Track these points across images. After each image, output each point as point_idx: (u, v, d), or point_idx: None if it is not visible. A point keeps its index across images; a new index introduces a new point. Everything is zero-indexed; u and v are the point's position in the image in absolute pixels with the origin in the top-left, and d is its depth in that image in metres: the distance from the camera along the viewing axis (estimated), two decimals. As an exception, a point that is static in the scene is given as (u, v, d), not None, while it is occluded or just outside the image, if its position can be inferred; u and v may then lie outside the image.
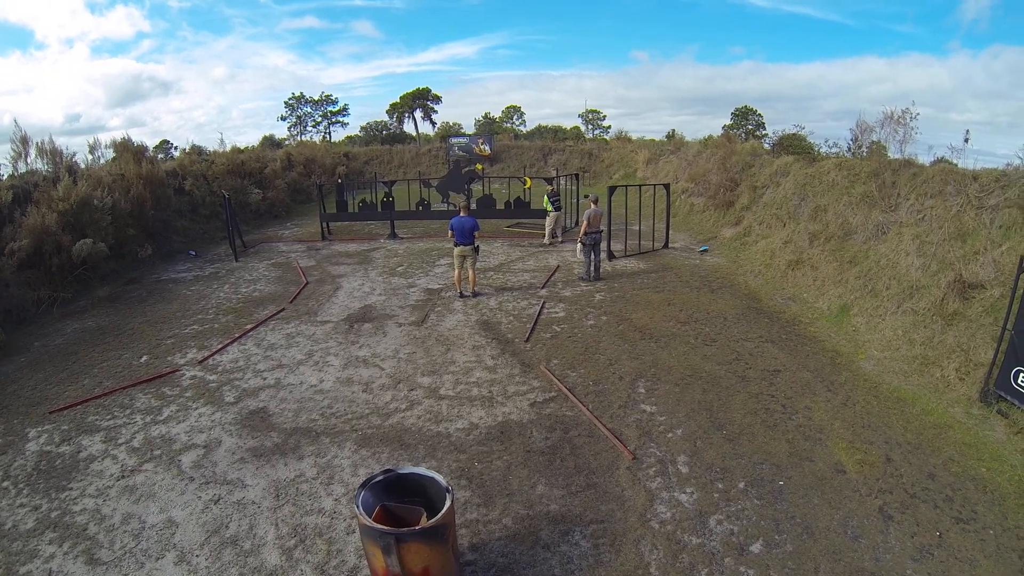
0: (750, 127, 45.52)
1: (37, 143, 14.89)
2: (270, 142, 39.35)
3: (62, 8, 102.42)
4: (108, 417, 7.15)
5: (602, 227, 12.86)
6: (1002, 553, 4.73)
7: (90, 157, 16.97)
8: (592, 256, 12.59)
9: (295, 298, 11.86)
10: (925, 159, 12.49)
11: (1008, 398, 6.56)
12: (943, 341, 7.94)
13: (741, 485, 5.65)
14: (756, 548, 4.84)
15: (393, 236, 18.05)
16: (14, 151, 14.63)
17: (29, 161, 14.77)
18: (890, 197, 11.31)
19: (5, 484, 5.82)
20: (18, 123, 15.42)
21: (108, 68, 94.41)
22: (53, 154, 14.96)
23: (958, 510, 5.24)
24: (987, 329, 7.51)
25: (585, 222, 12.35)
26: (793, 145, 20.70)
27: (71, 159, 15.31)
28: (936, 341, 8.03)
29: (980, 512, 5.20)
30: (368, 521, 3.96)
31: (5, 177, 14.25)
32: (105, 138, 35.42)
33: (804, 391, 7.52)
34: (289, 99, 51.69)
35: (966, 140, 12.13)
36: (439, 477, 4.42)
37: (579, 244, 12.67)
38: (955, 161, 11.73)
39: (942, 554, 4.73)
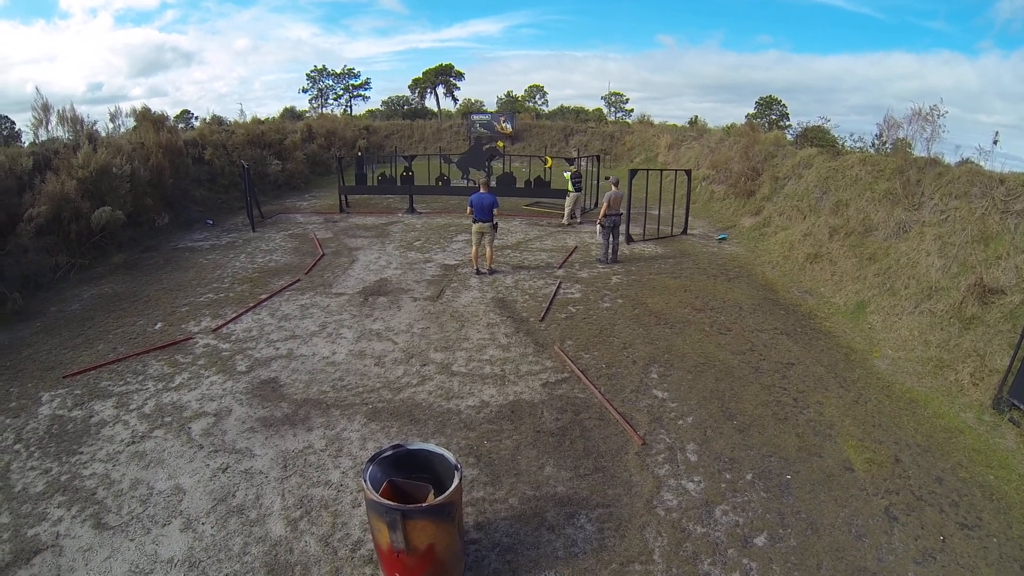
0: (774, 117, 44.81)
1: (58, 111, 14.92)
2: (291, 114, 39.27)
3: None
4: (121, 383, 7.26)
5: (621, 210, 12.78)
6: (1004, 562, 4.69)
7: (111, 125, 17.03)
8: (610, 239, 12.54)
9: (311, 269, 11.93)
10: (951, 159, 12.22)
11: (1021, 407, 6.45)
12: (959, 345, 7.83)
13: (749, 477, 5.65)
14: (760, 541, 4.85)
15: (411, 211, 18.05)
16: (35, 118, 14.67)
17: (50, 128, 14.83)
18: (914, 195, 11.11)
19: (17, 447, 5.94)
20: (40, 91, 15.41)
21: (131, 38, 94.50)
22: (74, 122, 14.98)
23: (963, 516, 5.20)
24: (1005, 336, 7.38)
25: (605, 204, 12.27)
26: (817, 137, 20.34)
27: (92, 127, 15.33)
28: (952, 344, 7.92)
29: (985, 519, 5.16)
30: (375, 496, 3.98)
31: (26, 144, 14.33)
32: (126, 107, 35.59)
33: (817, 386, 7.47)
34: (311, 71, 51.55)
35: (995, 142, 11.80)
36: (448, 454, 4.42)
37: (598, 226, 12.61)
38: (982, 163, 11.45)
39: (944, 559, 4.70)
